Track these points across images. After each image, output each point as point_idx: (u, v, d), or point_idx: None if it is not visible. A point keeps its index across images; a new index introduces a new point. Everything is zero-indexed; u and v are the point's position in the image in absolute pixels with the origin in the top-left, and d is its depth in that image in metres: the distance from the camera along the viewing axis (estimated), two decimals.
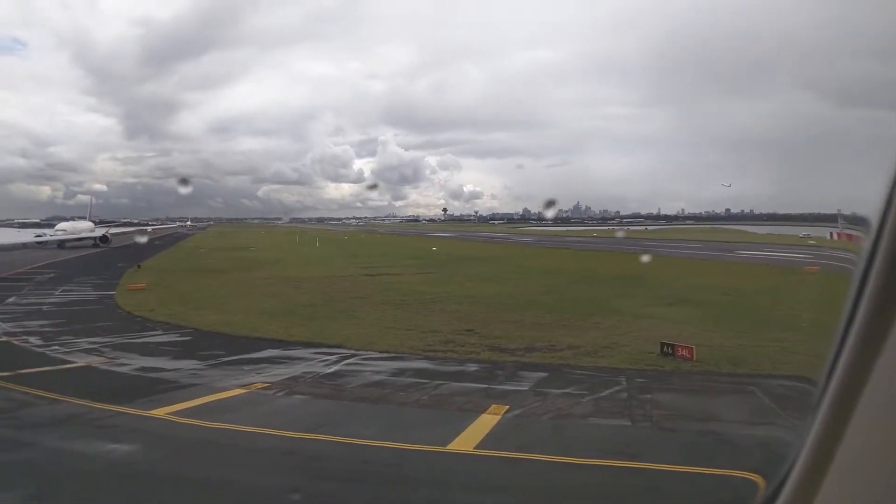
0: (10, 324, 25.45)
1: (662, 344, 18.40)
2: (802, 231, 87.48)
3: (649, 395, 14.54)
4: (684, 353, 17.64)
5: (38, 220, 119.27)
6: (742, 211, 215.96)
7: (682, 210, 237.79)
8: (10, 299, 32.63)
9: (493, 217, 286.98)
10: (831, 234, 74.36)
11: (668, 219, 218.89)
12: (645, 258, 48.55)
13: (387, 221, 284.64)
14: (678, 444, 11.58)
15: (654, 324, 22.72)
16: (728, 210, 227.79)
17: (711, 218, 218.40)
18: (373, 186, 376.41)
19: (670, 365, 17.23)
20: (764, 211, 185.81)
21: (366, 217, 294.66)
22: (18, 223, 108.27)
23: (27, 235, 74.91)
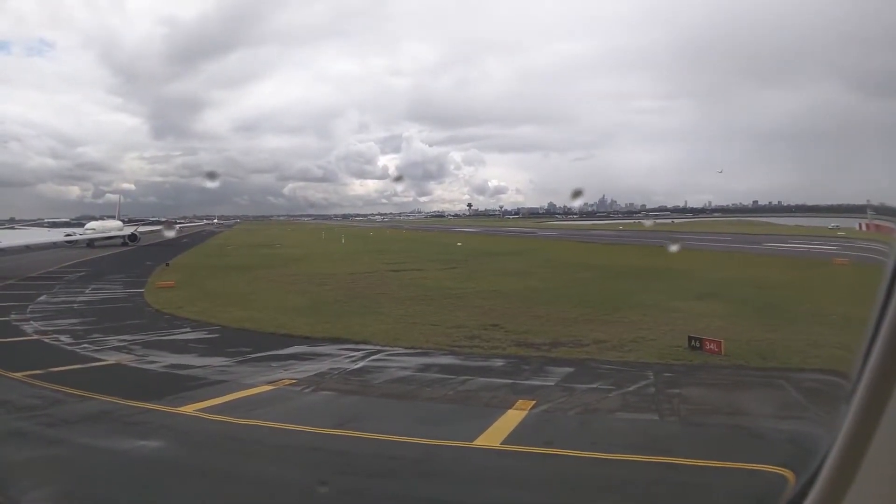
0: (40, 322, 25.91)
1: (690, 338, 18.21)
2: (832, 222, 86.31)
3: (677, 390, 14.39)
4: (712, 346, 17.44)
5: (67, 220, 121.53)
6: (770, 203, 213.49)
7: (709, 203, 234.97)
8: (41, 298, 33.20)
9: (518, 211, 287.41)
10: (860, 225, 73.46)
11: (695, 212, 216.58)
12: (671, 251, 48.13)
13: (412, 217, 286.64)
14: (706, 439, 11.48)
15: (682, 317, 22.50)
16: (756, 202, 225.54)
17: (739, 210, 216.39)
18: (398, 178, 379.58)
19: (698, 359, 17.03)
20: (792, 202, 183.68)
21: (391, 213, 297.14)
22: (48, 222, 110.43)
23: (57, 235, 76.05)
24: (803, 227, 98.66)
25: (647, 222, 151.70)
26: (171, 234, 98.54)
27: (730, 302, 25.74)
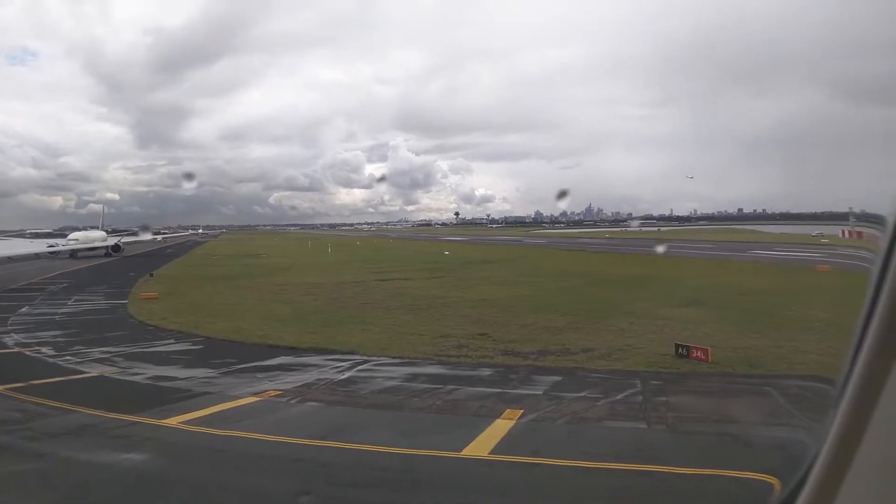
0: (22, 334, 25.61)
1: (677, 345, 18.25)
2: (815, 230, 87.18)
3: (664, 398, 14.39)
4: (699, 354, 17.48)
5: (50, 230, 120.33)
6: (755, 211, 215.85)
7: (695, 211, 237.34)
8: (23, 309, 32.82)
9: (502, 220, 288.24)
10: (843, 232, 74.31)
11: (681, 220, 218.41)
12: (658, 259, 48.45)
13: (399, 226, 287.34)
14: (694, 447, 11.46)
15: (669, 325, 22.56)
16: (741, 210, 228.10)
17: (724, 218, 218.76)
18: (381, 179, 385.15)
19: (685, 367, 17.06)
20: (777, 210, 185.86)
21: (377, 222, 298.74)
22: (31, 233, 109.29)
23: (39, 246, 75.42)
24: (788, 234, 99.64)
25: (634, 224, 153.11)
26: (146, 236, 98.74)
27: (716, 309, 25.88)
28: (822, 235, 77.04)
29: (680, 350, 18.00)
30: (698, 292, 30.90)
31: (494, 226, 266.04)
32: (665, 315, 24.72)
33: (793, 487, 2.45)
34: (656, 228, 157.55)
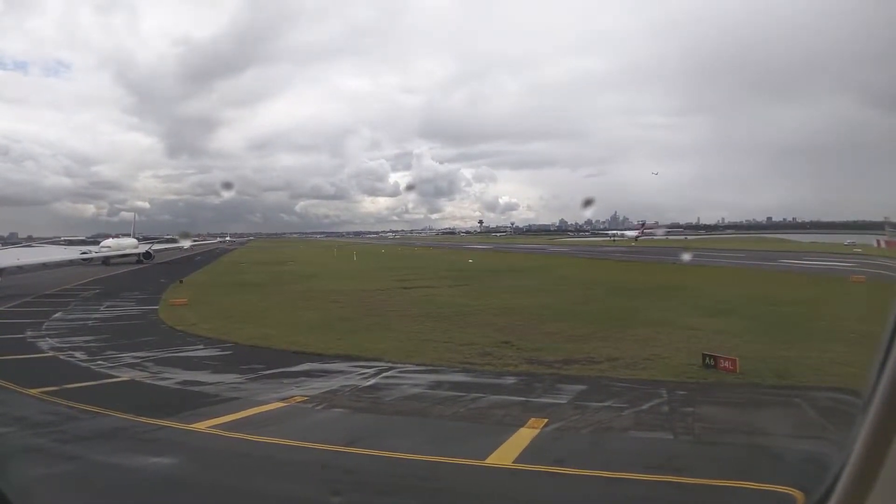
0: (56, 339, 26.09)
1: (704, 355, 18.08)
2: (847, 239, 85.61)
3: (691, 408, 14.24)
4: (727, 364, 17.29)
5: (83, 238, 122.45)
6: (784, 219, 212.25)
7: (723, 219, 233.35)
8: (57, 315, 33.49)
9: (523, 228, 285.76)
10: (878, 242, 72.85)
11: (708, 228, 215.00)
12: (684, 267, 47.92)
13: (423, 234, 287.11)
14: (719, 458, 11.32)
15: (696, 335, 22.36)
16: (770, 218, 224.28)
17: (753, 227, 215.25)
18: (410, 188, 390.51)
19: (713, 377, 16.88)
20: (807, 219, 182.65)
21: (402, 230, 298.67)
22: (65, 241, 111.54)
23: (73, 252, 76.71)
24: (818, 243, 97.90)
25: (659, 233, 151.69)
26: (186, 243, 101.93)
27: (745, 319, 25.55)
28: (855, 245, 75.73)
29: (707, 360, 17.82)
30: (727, 302, 30.58)
31: (499, 234, 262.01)
32: (692, 325, 24.49)
33: (817, 500, 2.43)
34: (683, 237, 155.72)
